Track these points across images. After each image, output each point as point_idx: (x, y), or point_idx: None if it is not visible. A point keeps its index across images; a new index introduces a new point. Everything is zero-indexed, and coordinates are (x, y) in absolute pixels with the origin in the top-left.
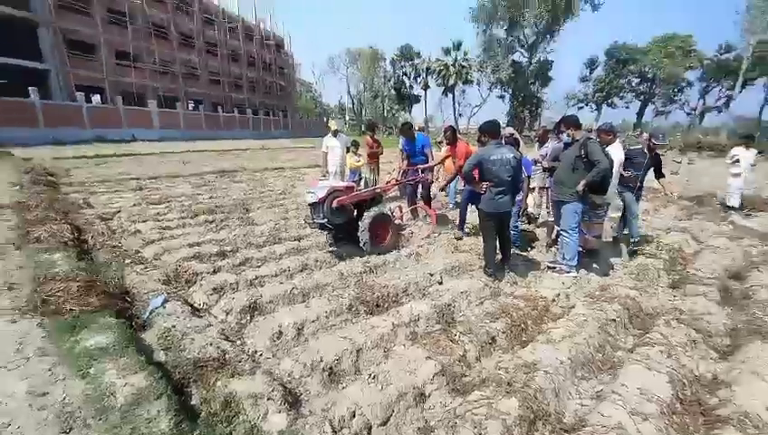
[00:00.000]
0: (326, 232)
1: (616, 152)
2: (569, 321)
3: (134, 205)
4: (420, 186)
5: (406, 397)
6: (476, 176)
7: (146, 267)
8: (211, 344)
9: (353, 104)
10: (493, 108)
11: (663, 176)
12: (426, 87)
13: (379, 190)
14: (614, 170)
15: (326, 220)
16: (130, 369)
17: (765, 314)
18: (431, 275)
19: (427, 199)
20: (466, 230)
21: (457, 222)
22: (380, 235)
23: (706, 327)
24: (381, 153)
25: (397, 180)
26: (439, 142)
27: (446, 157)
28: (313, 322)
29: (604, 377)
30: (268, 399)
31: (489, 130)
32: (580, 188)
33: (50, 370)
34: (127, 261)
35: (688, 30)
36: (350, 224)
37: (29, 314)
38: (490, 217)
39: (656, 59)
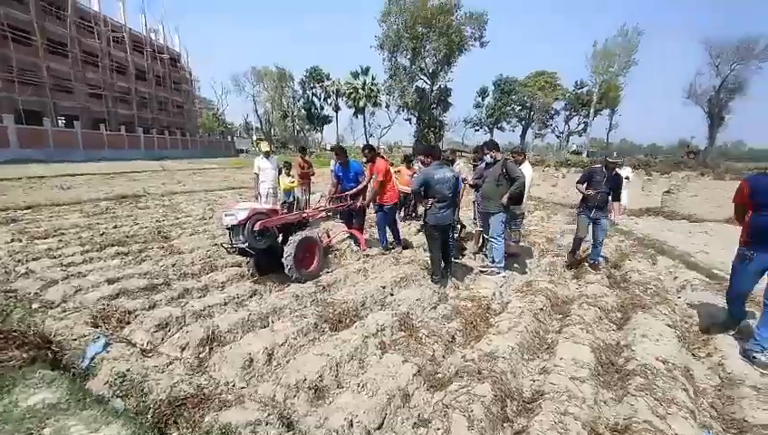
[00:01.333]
0: (246, 258)
1: (527, 170)
2: (509, 314)
3: (12, 240)
4: (354, 213)
5: (394, 399)
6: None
7: (64, 311)
8: (182, 381)
9: (261, 124)
10: (401, 129)
11: (619, 199)
12: (337, 108)
13: (305, 215)
14: (527, 185)
15: (247, 244)
16: (98, 421)
17: (642, 292)
18: (383, 287)
19: (360, 226)
20: (389, 245)
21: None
22: (307, 259)
23: (605, 306)
24: (313, 174)
25: (324, 207)
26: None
27: (369, 177)
28: (282, 345)
29: (544, 355)
30: (267, 424)
31: (431, 153)
32: (504, 200)
33: None
34: (34, 305)
35: (554, 66)
36: (273, 249)
37: None
38: (436, 229)
39: (531, 90)
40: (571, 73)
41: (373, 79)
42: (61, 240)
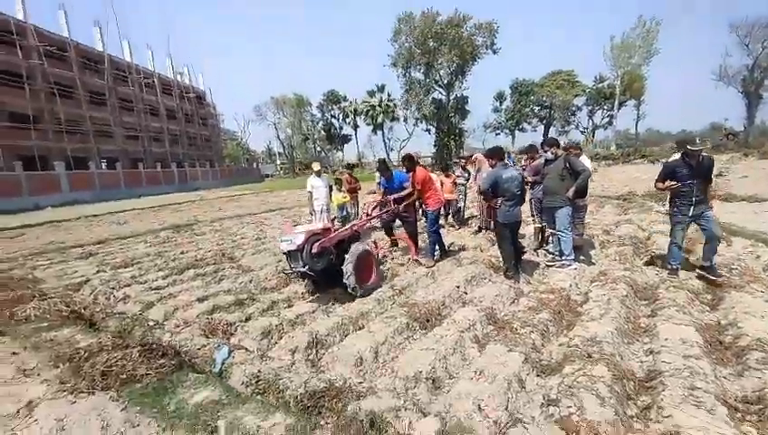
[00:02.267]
0: (305, 280)
1: (586, 163)
2: (595, 302)
3: (98, 271)
4: (403, 222)
5: (512, 384)
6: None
7: (177, 326)
8: (312, 378)
9: (284, 148)
10: (420, 140)
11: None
12: (355, 127)
13: (355, 228)
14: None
15: (307, 268)
16: (263, 412)
17: (727, 273)
18: (457, 287)
19: (414, 238)
20: (436, 255)
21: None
22: (365, 273)
23: (693, 288)
24: (359, 188)
25: (368, 214)
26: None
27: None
28: (383, 344)
29: (644, 338)
30: (405, 410)
31: (497, 154)
32: (570, 193)
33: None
34: (150, 323)
35: (569, 65)
36: (329, 267)
37: (85, 390)
38: (507, 227)
39: (549, 90)
40: (589, 70)
41: (389, 95)
42: (140, 268)
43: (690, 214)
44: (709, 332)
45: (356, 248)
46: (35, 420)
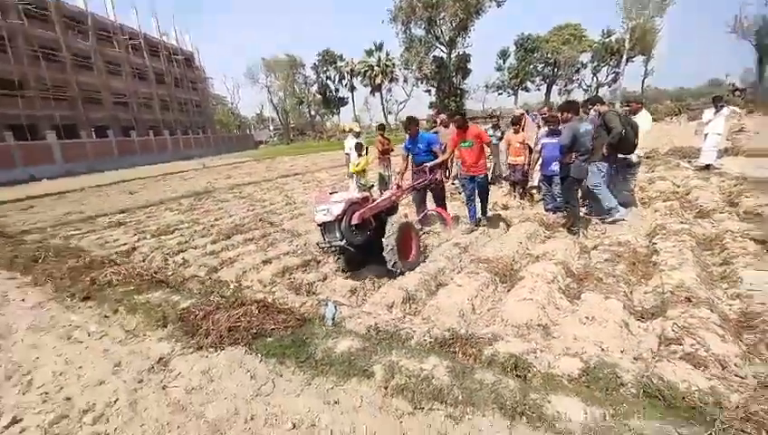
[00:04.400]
0: (338, 256)
1: (645, 118)
2: (667, 253)
3: (139, 239)
4: (431, 189)
5: (622, 328)
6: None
7: (264, 286)
8: (434, 328)
9: (277, 113)
10: (418, 102)
11: None
12: (352, 89)
13: (393, 198)
14: (640, 135)
15: (345, 241)
16: (416, 356)
17: None
18: (520, 243)
19: (442, 202)
20: (476, 220)
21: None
22: (406, 248)
23: (759, 238)
24: (392, 150)
25: (399, 186)
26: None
27: (455, 146)
28: (476, 297)
29: (723, 284)
30: (534, 352)
31: (573, 108)
32: (605, 150)
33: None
34: (232, 285)
35: (577, 18)
36: (367, 241)
37: (213, 346)
38: (578, 183)
39: (555, 46)
40: (596, 23)
41: (388, 54)
42: (182, 234)
43: None
44: None
45: (396, 220)
46: (179, 374)
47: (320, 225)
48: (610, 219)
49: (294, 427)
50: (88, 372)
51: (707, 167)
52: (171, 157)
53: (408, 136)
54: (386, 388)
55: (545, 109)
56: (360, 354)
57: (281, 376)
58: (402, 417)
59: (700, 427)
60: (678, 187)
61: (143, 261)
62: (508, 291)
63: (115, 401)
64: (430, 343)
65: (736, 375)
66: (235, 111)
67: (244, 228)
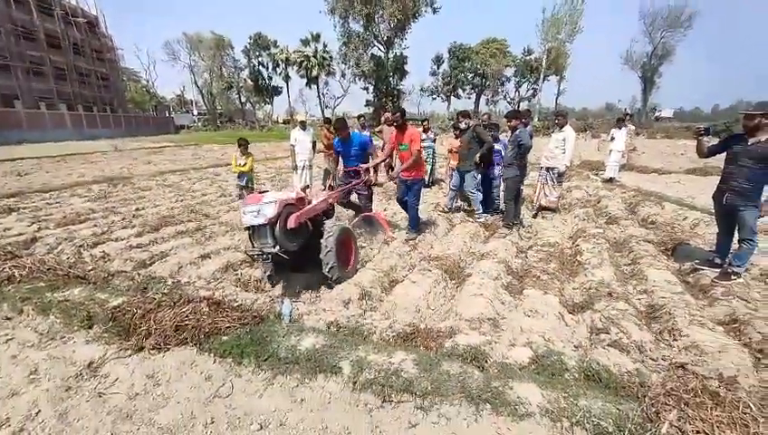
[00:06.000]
0: (265, 263)
1: (570, 132)
2: (589, 254)
3: (39, 228)
4: (357, 196)
5: (560, 320)
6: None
7: (208, 282)
8: (395, 322)
9: (202, 97)
10: (355, 98)
11: None
12: (287, 78)
13: (331, 200)
14: (570, 146)
15: (278, 247)
16: (383, 351)
17: (671, 230)
18: (464, 242)
19: (369, 203)
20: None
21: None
22: (345, 255)
23: (653, 240)
24: None
25: (332, 187)
26: (378, 132)
27: (393, 148)
28: (429, 293)
29: (634, 281)
30: (490, 344)
31: (519, 116)
32: (477, 159)
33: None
34: (169, 281)
35: (503, 33)
36: (302, 247)
37: (156, 348)
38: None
39: (484, 57)
40: (519, 40)
41: (325, 46)
42: (95, 225)
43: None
44: (681, 274)
45: (337, 224)
46: (116, 380)
47: (248, 228)
48: (480, 220)
49: (261, 428)
50: None
51: (611, 180)
52: (71, 135)
53: (338, 139)
54: (354, 383)
55: (485, 115)
56: (327, 351)
57: (239, 376)
58: (372, 411)
59: (633, 403)
60: (590, 196)
61: (48, 253)
62: (457, 287)
63: (37, 414)
64: (393, 337)
65: (650, 359)
66: (151, 90)
67: (174, 220)
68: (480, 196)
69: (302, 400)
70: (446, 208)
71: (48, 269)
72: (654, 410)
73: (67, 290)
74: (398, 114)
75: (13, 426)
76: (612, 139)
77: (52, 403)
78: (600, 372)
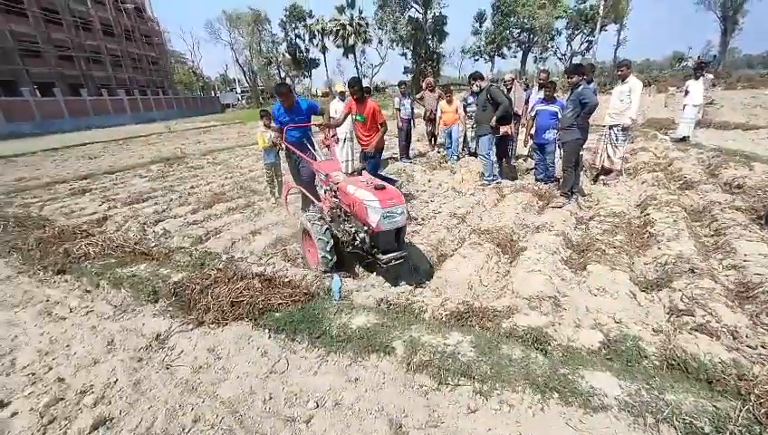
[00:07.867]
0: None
1: (636, 82)
2: (664, 224)
3: (109, 208)
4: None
5: (633, 299)
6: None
7: (260, 258)
8: (447, 302)
9: (244, 74)
10: (393, 66)
11: None
12: (323, 49)
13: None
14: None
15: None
16: (435, 331)
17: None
18: (517, 214)
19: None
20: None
21: None
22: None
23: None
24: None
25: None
26: (419, 99)
27: (347, 113)
28: (482, 268)
29: (719, 255)
30: (554, 325)
31: (580, 71)
32: (493, 122)
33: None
34: (224, 256)
35: None
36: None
37: (215, 323)
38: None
39: (531, 10)
40: None
41: (360, 12)
42: (156, 203)
43: None
44: None
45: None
46: (182, 352)
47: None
48: (490, 185)
49: (318, 406)
50: (78, 351)
51: (684, 139)
52: (130, 119)
53: (282, 105)
54: (408, 364)
55: (544, 73)
56: (379, 330)
57: (294, 353)
58: (428, 393)
59: (734, 400)
60: (660, 158)
61: (117, 231)
62: (511, 262)
63: (115, 382)
64: (446, 316)
65: (748, 346)
66: (197, 71)
67: (225, 197)
68: (491, 160)
69: (357, 379)
70: (485, 181)
71: (117, 246)
72: (765, 410)
73: (134, 266)
74: (355, 87)
75: (96, 393)
76: (687, 92)
77: (128, 373)
78: (687, 361)
